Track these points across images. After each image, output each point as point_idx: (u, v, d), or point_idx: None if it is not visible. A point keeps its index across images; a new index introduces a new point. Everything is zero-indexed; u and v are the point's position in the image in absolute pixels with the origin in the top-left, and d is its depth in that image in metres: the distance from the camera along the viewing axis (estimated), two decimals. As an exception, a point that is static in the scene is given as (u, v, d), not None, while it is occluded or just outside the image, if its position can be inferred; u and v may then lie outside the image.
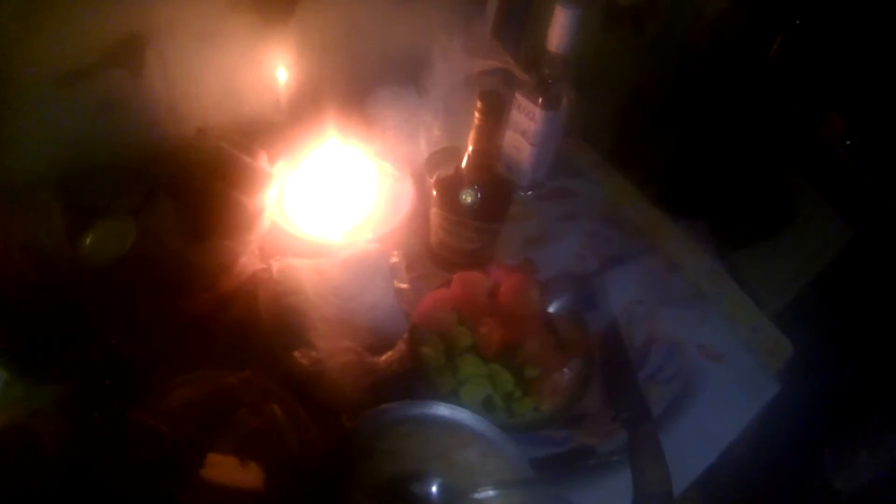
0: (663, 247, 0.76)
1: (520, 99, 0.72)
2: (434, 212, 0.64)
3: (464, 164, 0.62)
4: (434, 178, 0.64)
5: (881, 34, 0.94)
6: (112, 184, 0.72)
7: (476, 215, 0.61)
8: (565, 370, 0.58)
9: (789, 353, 0.74)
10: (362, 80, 0.76)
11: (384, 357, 0.58)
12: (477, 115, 0.58)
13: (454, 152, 0.72)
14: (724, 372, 0.68)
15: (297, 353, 0.58)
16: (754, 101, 0.96)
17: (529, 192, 0.77)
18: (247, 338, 0.63)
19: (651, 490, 0.57)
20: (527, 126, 0.73)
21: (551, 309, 0.63)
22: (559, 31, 0.67)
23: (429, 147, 0.74)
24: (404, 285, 0.63)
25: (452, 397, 0.57)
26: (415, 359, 0.58)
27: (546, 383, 0.58)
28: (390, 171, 0.72)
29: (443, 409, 0.55)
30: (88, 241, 0.69)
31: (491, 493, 0.52)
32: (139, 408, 0.58)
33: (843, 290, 1.07)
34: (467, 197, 0.60)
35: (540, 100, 0.70)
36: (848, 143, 0.99)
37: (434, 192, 0.63)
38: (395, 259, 0.64)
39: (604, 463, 0.58)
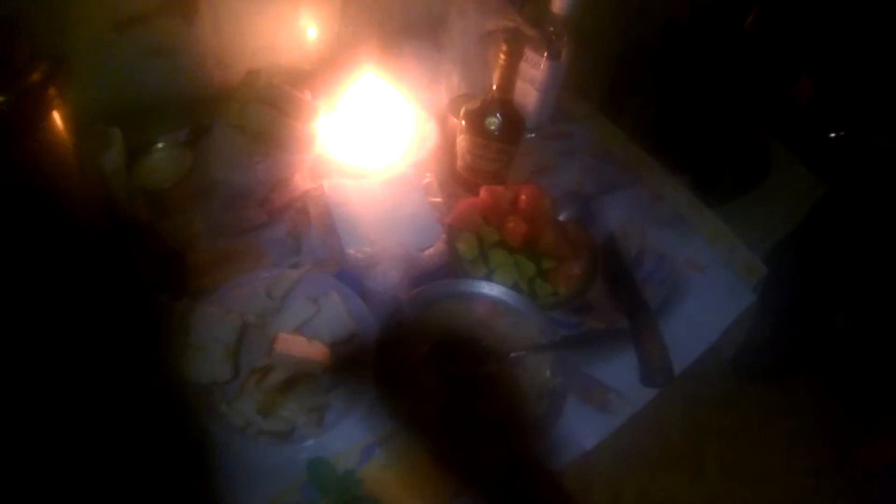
0: (648, 180, 0.94)
1: (527, 52, 0.89)
2: (462, 139, 0.80)
3: (488, 98, 0.78)
4: (462, 110, 0.80)
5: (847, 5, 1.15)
6: (165, 120, 0.86)
7: (498, 137, 0.78)
8: (576, 263, 0.74)
9: (763, 272, 0.90)
10: (388, 36, 0.91)
11: (427, 252, 0.73)
12: (501, 56, 0.75)
13: (471, 98, 0.89)
14: (706, 280, 0.85)
15: (351, 251, 0.72)
16: (730, 67, 1.16)
17: (533, 135, 0.94)
18: (300, 244, 0.77)
19: (654, 364, 0.72)
20: (533, 75, 0.90)
21: (560, 218, 0.79)
22: (561, -6, 0.85)
23: (448, 93, 0.90)
24: (438, 199, 0.78)
25: (485, 282, 0.72)
26: (452, 253, 0.74)
27: (561, 272, 0.74)
28: (417, 113, 0.87)
29: (482, 286, 0.70)
30: (146, 164, 0.82)
31: (524, 353, 0.67)
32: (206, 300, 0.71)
33: (816, 242, 1.28)
34: (492, 122, 0.77)
35: (545, 52, 0.88)
36: (815, 103, 1.18)
37: (462, 122, 0.79)
38: (427, 179, 0.80)
39: (614, 339, 0.73)
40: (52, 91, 0.64)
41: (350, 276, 0.73)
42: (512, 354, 0.67)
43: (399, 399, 0.65)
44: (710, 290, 0.84)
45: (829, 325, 1.44)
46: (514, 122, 0.79)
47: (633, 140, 1.01)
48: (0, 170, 0.61)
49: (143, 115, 0.85)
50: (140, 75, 0.85)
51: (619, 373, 0.73)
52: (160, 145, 0.86)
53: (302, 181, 0.78)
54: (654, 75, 1.17)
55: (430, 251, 0.73)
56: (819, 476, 1.49)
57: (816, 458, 1.51)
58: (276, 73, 0.85)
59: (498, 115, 0.78)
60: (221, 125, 0.79)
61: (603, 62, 1.07)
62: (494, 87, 0.77)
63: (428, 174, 0.80)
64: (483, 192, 0.76)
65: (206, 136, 0.80)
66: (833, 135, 1.26)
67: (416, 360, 0.67)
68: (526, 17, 0.91)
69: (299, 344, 0.68)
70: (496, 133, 0.78)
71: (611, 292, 0.79)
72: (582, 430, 0.69)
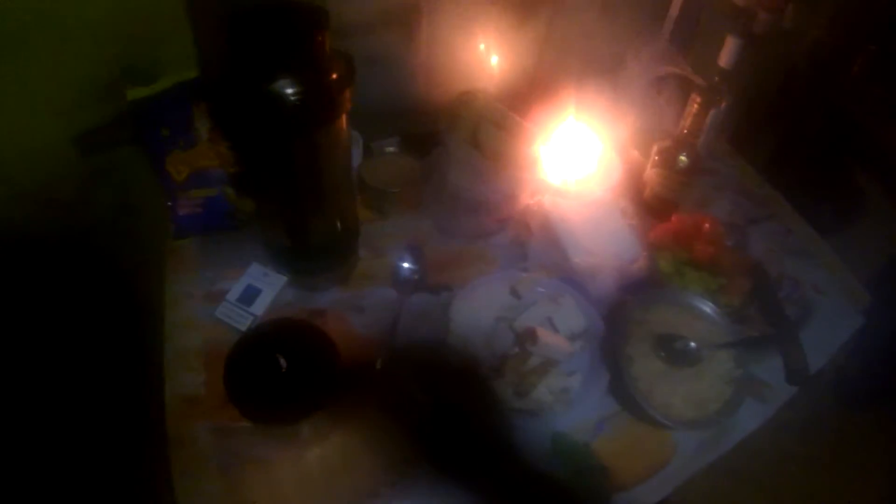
0: (780, 215, 1.21)
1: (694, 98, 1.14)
2: (654, 172, 1.05)
3: (678, 138, 1.02)
4: (655, 148, 1.04)
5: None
6: (374, 127, 1.05)
7: (685, 173, 1.03)
8: (744, 280, 1.00)
9: (867, 300, 1.15)
10: (575, 72, 1.14)
11: (635, 265, 0.97)
12: (695, 105, 0.99)
13: (648, 133, 1.13)
14: (827, 303, 1.10)
15: (576, 260, 0.95)
16: (836, 112, 1.42)
17: (694, 171, 1.19)
18: (525, 251, 0.99)
19: (795, 365, 0.98)
20: (697, 119, 1.15)
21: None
22: (728, 52, 1.10)
23: (626, 128, 1.14)
24: (634, 221, 1.02)
25: (680, 293, 0.97)
26: (653, 267, 0.98)
27: (734, 286, 0.99)
28: (603, 144, 1.11)
29: (685, 295, 0.95)
30: (372, 167, 1.03)
31: (716, 348, 0.92)
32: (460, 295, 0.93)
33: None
34: (682, 160, 1.01)
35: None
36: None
37: (655, 157, 1.03)
38: (624, 204, 1.04)
39: (767, 344, 0.99)
40: (348, 93, 0.75)
41: (571, 281, 0.97)
42: (707, 351, 0.92)
43: (626, 382, 0.89)
44: (829, 312, 1.09)
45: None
46: (696, 160, 1.04)
47: (763, 177, 1.27)
48: (285, 159, 0.77)
49: (357, 122, 1.00)
50: (358, 83, 1.04)
51: (769, 371, 0.98)
52: (389, 150, 1.06)
53: (525, 197, 1.01)
54: (774, 117, 1.43)
55: (638, 264, 0.97)
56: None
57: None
58: (488, 95, 1.06)
59: (686, 153, 1.03)
60: (456, 139, 1.00)
61: (736, 105, 1.33)
62: (685, 131, 1.02)
63: (623, 200, 1.05)
64: (675, 219, 1.01)
65: (441, 148, 1.01)
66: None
67: (639, 350, 0.91)
68: (689, 66, 1.16)
69: (552, 336, 0.90)
70: (684, 169, 1.03)
71: (761, 307, 1.05)
72: (746, 414, 0.93)
